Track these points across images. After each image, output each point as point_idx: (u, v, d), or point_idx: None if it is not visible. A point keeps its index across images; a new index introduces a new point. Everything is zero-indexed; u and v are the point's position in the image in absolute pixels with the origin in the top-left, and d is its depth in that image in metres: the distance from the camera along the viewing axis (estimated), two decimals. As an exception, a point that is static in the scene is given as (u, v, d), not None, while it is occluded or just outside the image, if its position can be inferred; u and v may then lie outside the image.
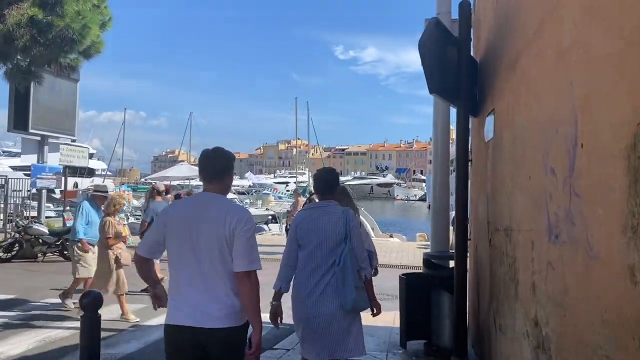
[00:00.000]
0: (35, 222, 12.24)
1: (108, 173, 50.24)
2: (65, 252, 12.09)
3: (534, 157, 2.99)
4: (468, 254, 5.01)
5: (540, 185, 2.84)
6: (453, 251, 5.18)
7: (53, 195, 31.26)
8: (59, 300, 7.69)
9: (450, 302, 5.08)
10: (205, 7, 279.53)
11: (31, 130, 12.97)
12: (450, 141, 6.28)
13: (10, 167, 40.15)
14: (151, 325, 6.70)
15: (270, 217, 30.50)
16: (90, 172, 45.97)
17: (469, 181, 5.13)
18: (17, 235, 11.93)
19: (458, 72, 4.80)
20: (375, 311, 3.58)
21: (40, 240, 11.90)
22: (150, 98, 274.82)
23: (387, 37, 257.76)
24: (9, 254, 11.84)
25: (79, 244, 7.45)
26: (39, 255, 11.95)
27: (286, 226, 16.57)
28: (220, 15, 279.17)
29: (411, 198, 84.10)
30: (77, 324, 4.08)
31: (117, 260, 6.88)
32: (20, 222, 12.17)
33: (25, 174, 43.10)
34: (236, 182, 77.80)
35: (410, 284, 5.50)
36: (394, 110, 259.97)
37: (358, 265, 3.37)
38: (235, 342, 2.69)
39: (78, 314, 4.66)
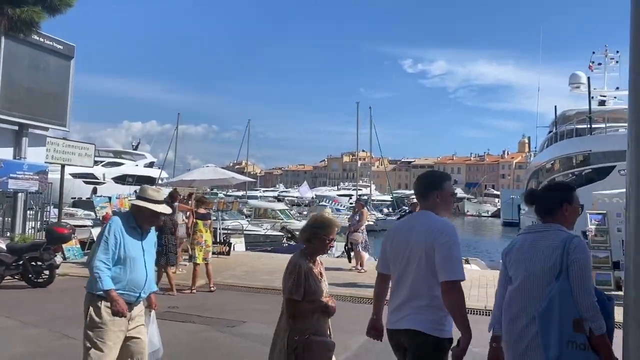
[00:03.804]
0: (-11, 235, 9.32)
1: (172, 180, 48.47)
2: (30, 276, 9.12)
3: None
4: None
5: None
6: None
7: (88, 198, 28.91)
8: None
9: None
10: (273, 22, 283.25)
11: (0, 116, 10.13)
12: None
13: (71, 174, 39.47)
14: None
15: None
16: (150, 181, 44.70)
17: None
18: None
19: None
20: None
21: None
22: (222, 112, 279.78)
23: (456, 50, 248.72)
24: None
25: (102, 301, 3.69)
26: (-1, 278, 9.00)
27: (346, 245, 12.89)
28: (287, 30, 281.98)
29: (483, 214, 79.02)
30: None
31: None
32: (-29, 235, 9.26)
33: (85, 182, 42.47)
34: (296, 193, 76.05)
35: None
36: (463, 123, 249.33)
37: (578, 314, 2.59)
38: (430, 349, 2.77)
39: None
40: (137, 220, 3.91)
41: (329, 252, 17.13)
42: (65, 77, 11.48)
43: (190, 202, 13.45)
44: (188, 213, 11.01)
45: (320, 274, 3.36)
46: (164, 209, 4.03)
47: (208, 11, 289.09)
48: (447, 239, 2.81)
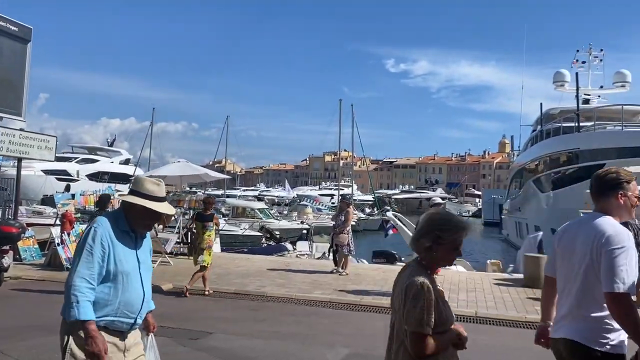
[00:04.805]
0: None
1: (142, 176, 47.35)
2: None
3: None
4: None
5: None
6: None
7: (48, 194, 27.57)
8: None
9: None
10: (255, 20, 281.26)
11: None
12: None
13: (43, 170, 38.00)
14: None
15: (304, 232, 26.60)
16: (124, 178, 43.40)
17: None
18: None
19: None
20: None
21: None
22: (202, 110, 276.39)
23: (439, 51, 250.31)
24: None
25: (80, 332, 2.67)
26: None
27: (331, 247, 11.97)
28: (271, 28, 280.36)
29: (464, 214, 79.29)
30: None
31: None
32: None
33: (57, 178, 41.07)
34: (277, 193, 75.10)
35: None
36: (445, 123, 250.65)
37: None
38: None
39: None
40: (130, 223, 2.93)
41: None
42: (20, 62, 10.51)
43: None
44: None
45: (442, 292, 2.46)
46: (167, 208, 3.01)
47: (189, 8, 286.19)
48: (612, 247, 2.58)
